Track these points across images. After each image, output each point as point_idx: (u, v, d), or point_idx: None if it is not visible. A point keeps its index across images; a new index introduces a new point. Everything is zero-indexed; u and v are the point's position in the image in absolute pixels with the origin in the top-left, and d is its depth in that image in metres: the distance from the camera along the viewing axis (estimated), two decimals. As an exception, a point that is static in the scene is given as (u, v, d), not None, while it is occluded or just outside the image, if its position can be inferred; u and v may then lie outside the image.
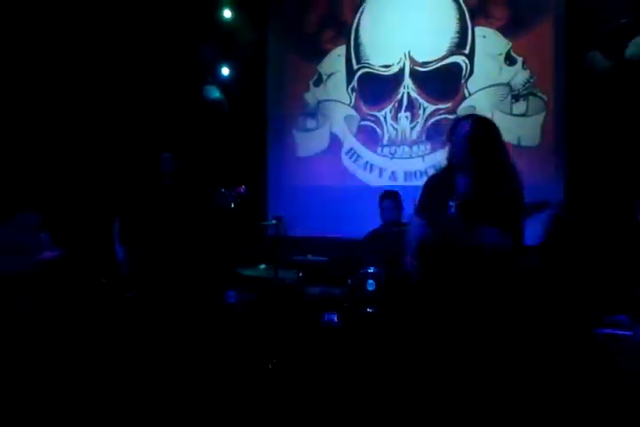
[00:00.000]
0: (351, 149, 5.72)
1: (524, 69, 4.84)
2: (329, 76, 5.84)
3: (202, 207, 4.30)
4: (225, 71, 6.15)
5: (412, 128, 5.38)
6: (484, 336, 2.80)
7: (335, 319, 4.38)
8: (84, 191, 5.72)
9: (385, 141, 5.53)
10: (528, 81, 4.82)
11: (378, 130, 5.57)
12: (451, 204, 2.86)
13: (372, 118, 5.59)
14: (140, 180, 4.47)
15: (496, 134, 2.91)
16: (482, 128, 2.86)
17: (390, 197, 4.51)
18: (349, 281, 4.29)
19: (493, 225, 2.72)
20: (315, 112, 5.93)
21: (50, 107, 5.60)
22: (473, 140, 2.82)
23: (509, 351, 2.89)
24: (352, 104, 5.71)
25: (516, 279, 2.94)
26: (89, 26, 5.63)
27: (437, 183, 3.01)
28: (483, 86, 5.03)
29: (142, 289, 4.22)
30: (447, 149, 2.96)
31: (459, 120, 2.94)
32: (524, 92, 4.84)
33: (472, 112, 4.94)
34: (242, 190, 4.08)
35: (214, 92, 6.16)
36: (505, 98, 4.92)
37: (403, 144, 5.43)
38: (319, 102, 5.90)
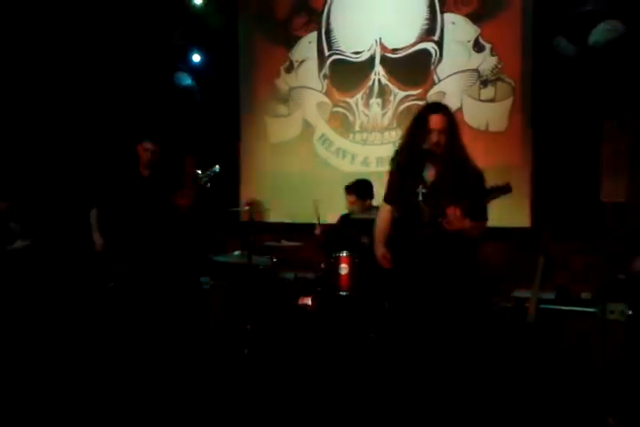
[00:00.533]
0: (323, 135, 5.77)
1: (492, 56, 4.92)
2: (300, 62, 5.87)
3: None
4: (196, 58, 6.13)
5: (383, 114, 5.44)
6: (448, 313, 2.91)
7: (309, 303, 4.44)
8: (58, 181, 5.69)
9: (357, 128, 5.59)
10: (496, 67, 4.90)
11: (350, 116, 5.62)
12: (419, 190, 2.95)
13: (344, 105, 5.64)
14: (119, 169, 4.40)
15: (457, 123, 3.01)
16: (453, 122, 2.98)
17: (350, 191, 4.47)
18: (322, 265, 4.35)
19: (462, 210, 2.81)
20: (287, 98, 5.95)
21: (22, 95, 5.54)
22: (447, 133, 2.93)
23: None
24: (324, 91, 5.75)
25: (476, 262, 3.05)
26: (58, 12, 5.56)
27: (404, 171, 3.08)
28: (452, 72, 5.10)
29: (121, 279, 4.21)
30: (411, 137, 3.03)
31: (428, 112, 2.99)
32: (492, 77, 4.92)
33: (442, 98, 5.02)
34: (216, 169, 4.10)
35: (186, 79, 6.14)
36: (474, 84, 5.00)
37: (374, 130, 5.49)
38: (291, 89, 5.93)
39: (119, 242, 4.25)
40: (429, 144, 2.94)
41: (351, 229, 4.45)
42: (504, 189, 2.80)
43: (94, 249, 4.34)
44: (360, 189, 4.45)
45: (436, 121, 2.94)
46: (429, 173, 3.01)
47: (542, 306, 3.81)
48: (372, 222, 3.35)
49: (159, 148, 4.31)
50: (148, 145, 4.29)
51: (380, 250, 3.18)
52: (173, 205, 4.15)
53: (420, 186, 2.97)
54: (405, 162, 3.10)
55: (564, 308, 4.13)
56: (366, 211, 4.37)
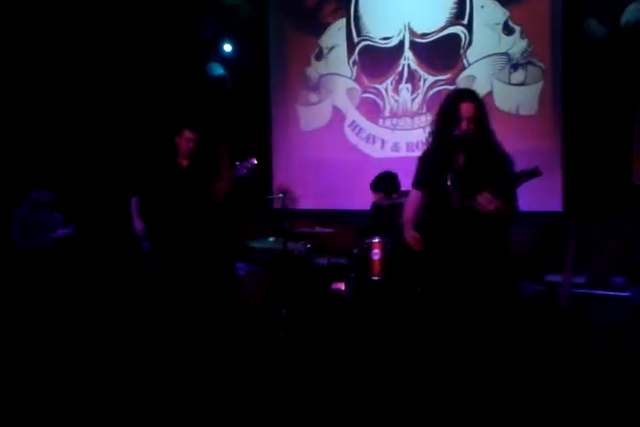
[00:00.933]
0: (353, 121, 5.82)
1: (522, 39, 4.89)
2: (330, 49, 5.91)
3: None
4: (227, 48, 6.22)
5: (412, 99, 5.47)
6: (478, 295, 2.99)
7: (343, 288, 4.54)
8: (99, 170, 5.87)
9: (387, 113, 5.62)
10: (526, 50, 4.88)
11: (379, 102, 5.65)
12: (448, 176, 3.01)
13: (374, 91, 5.67)
14: (158, 159, 4.50)
15: (486, 110, 3.05)
16: (482, 109, 3.01)
17: (376, 189, 4.46)
18: (355, 251, 4.43)
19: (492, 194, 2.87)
20: (317, 86, 6.01)
21: (66, 86, 5.72)
22: (477, 121, 2.97)
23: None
24: (353, 77, 5.79)
25: (505, 246, 3.10)
26: (93, 7, 5.70)
27: (434, 157, 3.14)
28: (481, 56, 5.09)
29: (160, 265, 4.36)
30: (441, 124, 3.07)
31: (459, 100, 3.03)
32: (523, 61, 4.90)
33: (472, 82, 5.03)
34: (254, 161, 4.21)
35: (217, 69, 6.24)
36: (504, 67, 4.99)
37: (404, 116, 5.52)
38: (321, 76, 5.98)
39: (159, 228, 4.39)
40: (460, 132, 3.00)
41: (383, 214, 4.52)
42: (533, 173, 2.84)
43: (135, 234, 4.49)
44: (384, 185, 4.47)
45: (467, 109, 2.97)
46: (459, 159, 3.07)
47: (574, 290, 3.84)
48: (401, 208, 3.43)
49: (198, 137, 4.40)
50: (189, 134, 4.31)
51: (409, 233, 3.25)
52: (212, 195, 4.27)
53: (450, 172, 3.03)
54: (435, 148, 3.16)
55: (596, 292, 4.13)
56: (401, 195, 4.41)
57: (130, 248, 4.70)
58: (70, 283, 4.88)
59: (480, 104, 3.04)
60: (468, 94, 3.08)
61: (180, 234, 4.31)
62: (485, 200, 2.85)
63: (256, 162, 4.21)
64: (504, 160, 3.03)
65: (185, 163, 4.39)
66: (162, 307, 4.29)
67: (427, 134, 3.23)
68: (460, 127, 2.98)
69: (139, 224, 4.44)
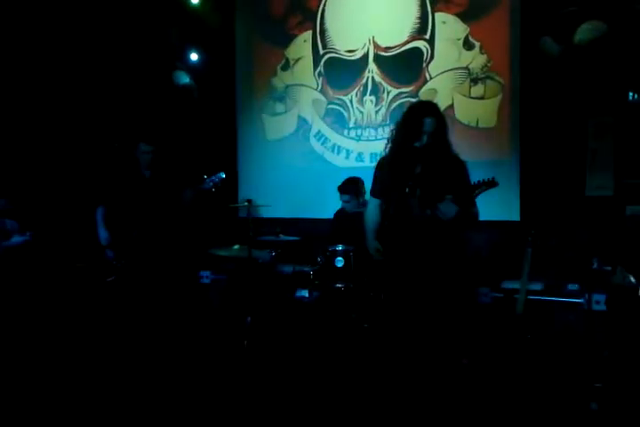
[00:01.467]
0: (319, 131, 5.91)
1: (482, 54, 5.06)
2: (296, 60, 5.99)
3: (181, 195, 4.42)
4: (194, 56, 6.25)
5: (376, 111, 5.58)
6: (437, 302, 3.09)
7: (307, 295, 4.60)
8: (59, 178, 5.81)
9: (351, 124, 5.73)
10: (485, 65, 5.05)
11: (344, 113, 5.76)
12: (410, 184, 3.12)
13: (339, 102, 5.78)
14: (122, 169, 4.53)
15: (447, 123, 3.18)
16: (443, 122, 3.14)
17: (345, 191, 4.60)
18: (319, 259, 4.50)
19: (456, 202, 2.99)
20: (283, 96, 6.09)
21: (25, 94, 5.65)
22: (438, 136, 3.11)
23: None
24: (319, 88, 5.89)
25: (465, 253, 3.22)
26: (55, 12, 5.66)
27: (392, 166, 3.24)
28: (443, 70, 5.24)
29: (124, 273, 4.36)
30: (403, 135, 3.18)
31: (422, 115, 3.14)
32: (482, 75, 5.07)
33: (433, 95, 5.19)
34: (222, 175, 4.29)
35: (184, 78, 6.25)
36: (464, 81, 5.15)
37: (368, 126, 5.63)
38: (287, 87, 6.06)
39: (124, 237, 4.40)
40: (420, 144, 3.12)
41: (346, 223, 4.60)
42: (490, 184, 2.99)
43: (99, 244, 4.48)
44: (351, 187, 4.59)
45: (429, 124, 3.10)
46: (417, 169, 3.19)
47: (530, 297, 3.97)
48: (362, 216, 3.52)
49: (155, 149, 4.46)
50: (144, 147, 4.44)
51: (371, 243, 3.35)
52: (176, 203, 4.31)
53: (408, 180, 3.14)
54: (395, 158, 3.26)
55: (551, 299, 4.28)
56: (361, 207, 4.51)
57: (93, 256, 4.67)
58: (23, 294, 4.79)
59: (441, 118, 3.16)
60: (430, 109, 3.20)
61: (146, 241, 4.33)
62: (447, 207, 2.96)
63: (224, 176, 4.29)
64: (461, 169, 3.16)
65: (147, 173, 4.47)
66: (126, 315, 4.28)
67: (386, 142, 3.34)
68: (421, 140, 3.10)
69: (103, 233, 4.44)
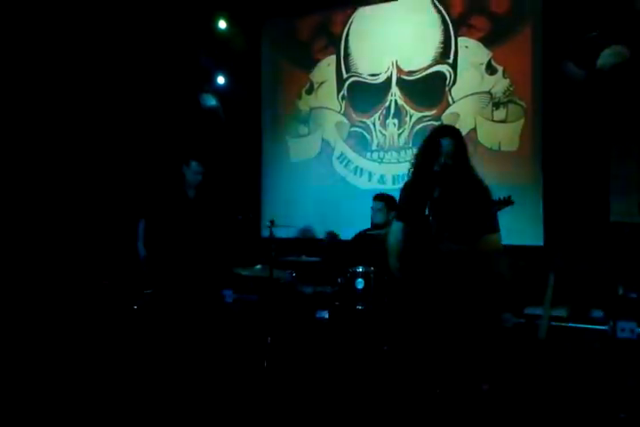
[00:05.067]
0: (342, 153, 5.97)
1: (504, 78, 5.10)
2: (320, 84, 6.09)
3: (219, 219, 4.51)
4: (220, 80, 6.38)
5: (399, 134, 5.63)
6: (459, 326, 3.07)
7: (327, 316, 4.60)
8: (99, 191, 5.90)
9: (374, 147, 5.78)
10: (508, 89, 5.08)
11: (367, 136, 5.82)
12: (427, 207, 3.15)
13: (362, 125, 5.84)
14: (166, 187, 4.61)
15: (466, 146, 3.20)
16: (462, 144, 3.16)
17: (380, 199, 4.64)
18: (340, 280, 4.49)
19: (475, 226, 3.00)
20: (307, 119, 6.17)
21: (73, 111, 5.80)
22: (457, 157, 3.13)
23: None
24: (342, 111, 5.96)
25: (490, 278, 3.21)
26: (88, 37, 5.84)
27: (412, 189, 3.28)
28: (466, 94, 5.29)
29: (159, 287, 4.42)
30: (422, 158, 3.22)
31: (439, 136, 3.18)
32: (505, 99, 5.10)
33: (456, 119, 5.22)
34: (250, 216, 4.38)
35: (211, 100, 6.38)
36: (486, 105, 5.18)
37: (391, 149, 5.68)
38: (311, 109, 6.15)
39: (162, 254, 4.46)
40: (439, 166, 3.14)
41: (367, 245, 4.61)
42: (506, 202, 3.00)
43: (137, 259, 4.56)
44: (387, 197, 4.62)
45: (446, 145, 3.13)
46: (436, 192, 3.21)
47: (553, 323, 3.92)
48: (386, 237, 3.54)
49: (205, 170, 4.54)
50: (197, 167, 4.52)
51: (393, 264, 3.37)
52: (213, 227, 4.39)
53: (429, 203, 3.17)
54: (416, 181, 3.30)
55: (575, 325, 4.22)
56: (387, 223, 4.53)
57: (134, 269, 4.73)
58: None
59: (460, 139, 3.19)
60: (448, 131, 3.23)
61: (181, 261, 4.39)
62: (445, 246, 2.98)
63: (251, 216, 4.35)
64: (482, 193, 3.16)
65: (192, 193, 4.53)
66: (161, 327, 4.33)
67: (410, 166, 3.38)
68: (440, 162, 3.13)
69: (142, 250, 4.52)
